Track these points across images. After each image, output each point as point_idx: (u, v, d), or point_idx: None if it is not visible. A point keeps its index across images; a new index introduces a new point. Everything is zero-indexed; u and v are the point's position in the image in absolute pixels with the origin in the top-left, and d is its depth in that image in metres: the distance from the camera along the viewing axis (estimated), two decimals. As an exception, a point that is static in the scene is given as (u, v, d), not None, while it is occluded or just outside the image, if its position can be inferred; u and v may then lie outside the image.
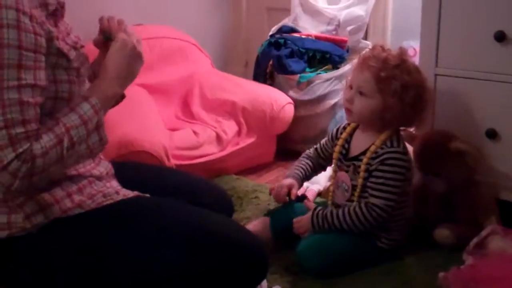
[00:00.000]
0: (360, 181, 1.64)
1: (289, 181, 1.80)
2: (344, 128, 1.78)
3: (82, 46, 1.39)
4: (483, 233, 1.49)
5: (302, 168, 1.85)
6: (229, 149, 2.45)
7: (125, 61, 1.33)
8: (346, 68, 2.71)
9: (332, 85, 2.67)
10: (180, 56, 2.69)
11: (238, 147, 2.48)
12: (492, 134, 1.80)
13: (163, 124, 2.37)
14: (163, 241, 1.27)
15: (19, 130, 1.12)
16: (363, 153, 1.66)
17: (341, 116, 2.72)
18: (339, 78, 2.69)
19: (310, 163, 1.86)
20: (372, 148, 1.64)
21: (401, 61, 1.61)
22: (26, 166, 1.12)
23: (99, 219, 1.30)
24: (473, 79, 1.82)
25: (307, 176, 1.86)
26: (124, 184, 1.45)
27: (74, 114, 1.22)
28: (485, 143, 1.81)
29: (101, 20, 1.41)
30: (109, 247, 1.26)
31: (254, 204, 2.15)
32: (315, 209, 1.67)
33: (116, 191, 1.38)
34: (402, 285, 1.60)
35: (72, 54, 1.28)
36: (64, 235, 1.26)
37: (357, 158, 1.68)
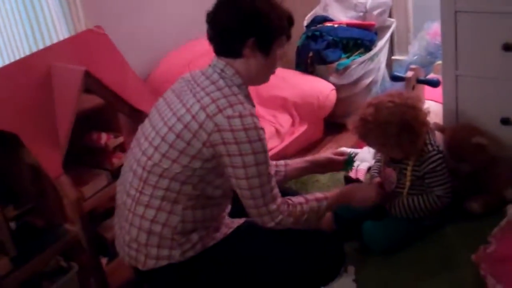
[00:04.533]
0: (407, 184, 2.11)
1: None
2: None
3: None
4: (502, 223, 1.96)
5: None
6: (287, 139, 2.87)
7: (355, 201, 2.00)
8: (377, 49, 3.11)
9: (366, 66, 3.08)
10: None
11: (294, 136, 2.90)
12: (506, 121, 2.24)
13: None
14: (281, 246, 1.84)
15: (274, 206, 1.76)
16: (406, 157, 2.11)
17: (376, 92, 3.16)
18: (371, 59, 3.10)
19: None
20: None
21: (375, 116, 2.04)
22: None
23: (234, 242, 1.83)
24: (487, 78, 2.23)
25: None
26: None
27: (316, 203, 1.87)
28: (501, 129, 2.26)
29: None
30: (252, 259, 1.81)
31: (316, 187, 2.61)
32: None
33: (232, 220, 1.90)
34: (445, 249, 2.10)
35: None
36: (213, 259, 1.79)
37: (401, 161, 2.13)
